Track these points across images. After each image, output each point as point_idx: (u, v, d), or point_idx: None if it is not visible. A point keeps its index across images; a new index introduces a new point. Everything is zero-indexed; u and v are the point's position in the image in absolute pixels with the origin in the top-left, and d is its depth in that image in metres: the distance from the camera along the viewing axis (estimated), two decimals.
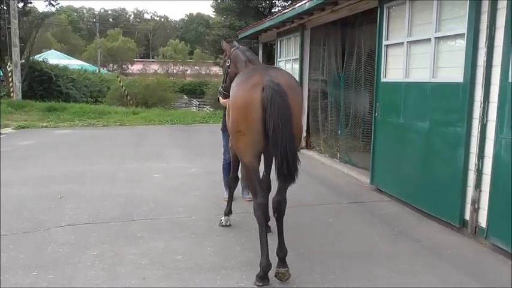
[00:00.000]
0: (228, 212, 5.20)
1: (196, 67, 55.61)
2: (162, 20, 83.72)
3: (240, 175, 5.21)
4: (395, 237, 4.89)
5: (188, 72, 57.30)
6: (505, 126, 4.22)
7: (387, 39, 6.37)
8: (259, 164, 3.88)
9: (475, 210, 4.68)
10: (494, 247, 4.41)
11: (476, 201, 4.67)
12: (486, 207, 4.52)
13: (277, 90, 3.44)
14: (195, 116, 17.46)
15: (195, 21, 69.17)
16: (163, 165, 8.55)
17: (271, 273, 3.75)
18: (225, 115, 5.91)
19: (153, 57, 67.19)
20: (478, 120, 4.63)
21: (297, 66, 10.15)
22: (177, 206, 5.93)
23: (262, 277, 3.74)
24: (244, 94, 3.61)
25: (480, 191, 4.64)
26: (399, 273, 3.98)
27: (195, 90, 37.07)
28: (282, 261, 3.76)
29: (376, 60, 6.62)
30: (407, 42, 5.83)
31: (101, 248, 4.52)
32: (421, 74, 5.57)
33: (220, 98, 5.61)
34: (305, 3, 7.84)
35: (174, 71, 57.51)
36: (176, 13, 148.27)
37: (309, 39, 9.80)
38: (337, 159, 8.70)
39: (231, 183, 5.24)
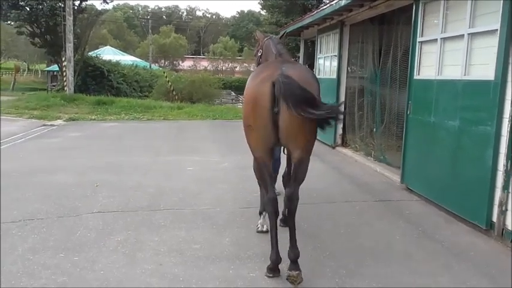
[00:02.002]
0: (262, 210, 4.91)
1: (245, 64, 56.07)
2: (214, 17, 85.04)
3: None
4: (418, 237, 4.79)
5: (237, 69, 57.96)
6: None
7: (421, 36, 6.21)
8: (271, 160, 3.86)
9: (502, 213, 4.51)
10: None
11: (503, 203, 4.49)
12: None
13: (287, 82, 3.34)
14: (237, 112, 17.65)
15: (246, 19, 69.73)
16: (197, 159, 8.75)
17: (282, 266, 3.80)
18: None
19: (203, 54, 68.40)
20: (508, 120, 4.44)
21: (335, 63, 10.05)
22: (204, 198, 6.07)
23: (273, 269, 3.80)
24: (253, 89, 3.59)
25: (508, 192, 4.45)
26: (414, 273, 3.90)
27: (242, 87, 37.39)
28: (294, 263, 3.66)
29: (409, 57, 6.47)
30: (441, 38, 5.66)
31: (125, 234, 4.73)
32: (453, 71, 5.40)
33: None
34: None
35: (224, 67, 58.38)
36: (228, 10, 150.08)
37: (348, 36, 9.68)
38: (372, 157, 8.56)
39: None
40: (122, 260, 4.09)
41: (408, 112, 6.43)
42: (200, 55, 68.18)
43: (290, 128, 3.49)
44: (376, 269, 3.98)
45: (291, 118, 3.39)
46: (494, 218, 4.62)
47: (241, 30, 68.80)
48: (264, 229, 4.80)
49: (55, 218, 5.19)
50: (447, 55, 5.61)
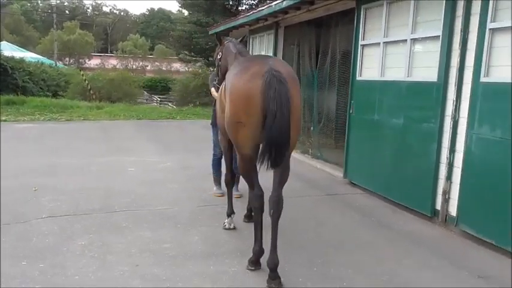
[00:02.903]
0: (230, 213, 4.94)
1: (156, 63, 54.75)
2: (122, 13, 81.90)
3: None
4: (373, 227, 5.15)
5: (148, 68, 56.37)
6: (476, 122, 4.56)
7: (363, 40, 6.65)
8: (256, 156, 3.75)
9: (446, 201, 5.02)
10: (463, 233, 4.76)
11: (447, 192, 5.01)
12: (456, 198, 4.85)
13: (277, 77, 3.38)
14: (161, 112, 17.33)
15: (157, 16, 68.09)
16: (136, 159, 8.51)
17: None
18: (215, 110, 5.96)
19: (111, 52, 65.61)
20: (450, 117, 4.96)
21: None
22: (157, 198, 5.96)
23: (255, 262, 3.89)
24: (245, 84, 3.52)
25: (451, 182, 4.97)
26: (381, 259, 4.22)
27: (156, 87, 36.48)
28: (274, 272, 3.59)
29: (352, 59, 6.89)
30: (384, 42, 6.13)
31: (87, 238, 4.52)
32: (396, 73, 5.87)
33: (212, 91, 5.63)
34: (282, 1, 8.02)
35: (134, 66, 56.46)
36: (136, 7, 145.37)
37: (283, 38, 10.00)
38: (309, 155, 8.95)
39: (228, 181, 4.99)
40: (93, 264, 3.93)
41: (351, 111, 6.85)
42: (108, 53, 65.29)
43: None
44: (347, 257, 4.24)
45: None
46: (438, 206, 5.13)
47: (152, 28, 67.03)
48: (231, 227, 4.89)
49: (1, 226, 4.79)
50: (389, 58, 6.08)
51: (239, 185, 6.24)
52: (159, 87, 35.58)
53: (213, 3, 22.09)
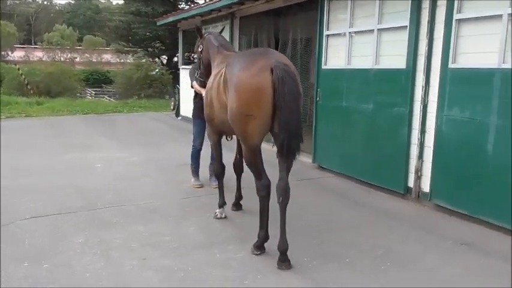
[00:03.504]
0: (222, 204, 5.04)
1: (86, 54, 52.46)
2: (46, 2, 77.30)
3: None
4: (353, 207, 5.49)
5: (78, 60, 53.90)
6: (446, 105, 5.00)
7: (328, 30, 6.95)
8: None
9: (418, 178, 5.46)
10: (436, 207, 5.22)
11: (419, 170, 5.45)
12: (429, 175, 5.30)
13: (287, 71, 3.55)
14: (106, 106, 16.86)
15: (83, 6, 65.03)
16: (99, 155, 8.33)
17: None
18: (197, 102, 5.99)
19: (36, 44, 61.93)
20: (419, 102, 5.38)
21: None
22: (137, 193, 5.93)
23: (259, 246, 4.05)
24: (253, 78, 3.62)
25: (422, 161, 5.42)
26: (370, 237, 4.52)
27: (87, 80, 34.77)
28: (284, 254, 3.78)
29: (317, 49, 7.17)
30: (350, 32, 6.45)
31: (82, 235, 4.45)
32: (363, 62, 6.22)
33: (194, 84, 5.65)
34: None
35: (62, 58, 53.73)
36: None
37: (238, 28, 10.11)
38: (271, 142, 9.15)
39: (219, 172, 5.05)
40: (98, 260, 3.90)
41: (317, 99, 7.15)
42: (32, 44, 61.53)
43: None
44: (339, 237, 4.51)
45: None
46: (411, 184, 5.57)
47: (79, 18, 64.03)
48: (223, 216, 5.01)
49: None
50: (356, 47, 6.41)
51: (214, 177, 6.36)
52: (90, 80, 33.96)
53: None
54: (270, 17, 9.23)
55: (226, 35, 10.36)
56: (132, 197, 5.74)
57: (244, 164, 4.22)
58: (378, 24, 5.92)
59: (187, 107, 13.80)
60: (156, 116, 15.36)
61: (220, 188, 5.08)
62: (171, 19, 12.40)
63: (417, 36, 5.36)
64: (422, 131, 5.37)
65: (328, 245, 4.31)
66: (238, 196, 5.25)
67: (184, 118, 14.03)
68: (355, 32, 6.40)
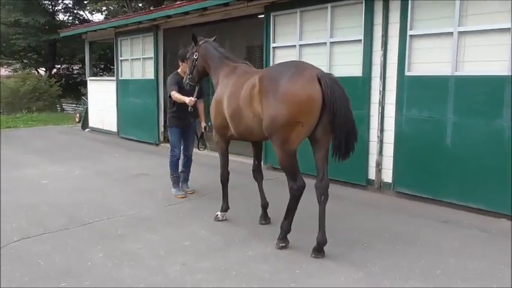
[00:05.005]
0: (226, 208, 5.22)
1: None
2: None
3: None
4: (329, 201, 6.06)
5: None
6: (405, 107, 5.91)
7: (274, 42, 7.53)
8: None
9: (379, 171, 6.31)
10: (399, 194, 6.10)
11: (380, 164, 6.29)
12: (390, 167, 6.16)
13: (333, 79, 3.97)
14: (26, 120, 15.65)
15: None
16: (36, 172, 7.80)
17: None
18: (173, 112, 6.06)
19: None
20: (377, 104, 6.23)
21: (151, 65, 10.41)
22: (112, 205, 5.82)
23: (283, 238, 4.39)
24: (306, 88, 3.87)
25: (382, 156, 6.27)
26: (352, 225, 5.04)
27: None
28: (321, 246, 4.18)
29: (264, 60, 7.71)
30: (300, 45, 7.11)
31: (97, 249, 4.35)
32: None
33: (173, 93, 5.74)
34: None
35: None
36: None
37: (162, 40, 10.23)
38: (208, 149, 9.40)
39: (225, 179, 5.21)
40: (139, 271, 3.88)
41: None
42: None
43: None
44: (331, 225, 4.66)
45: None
46: (372, 176, 6.39)
47: None
48: (224, 218, 5.22)
49: None
50: (306, 58, 7.01)
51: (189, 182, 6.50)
52: None
53: (30, 3, 20.22)
54: (202, 29, 9.45)
55: (148, 47, 10.41)
56: (112, 209, 5.62)
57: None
58: (331, 37, 6.67)
59: (96, 119, 13.29)
60: (62, 129, 14.46)
61: (225, 194, 5.25)
62: (80, 30, 11.85)
63: (371, 48, 6.21)
64: (382, 130, 6.23)
65: (329, 235, 4.77)
66: (264, 204, 5.18)
67: (94, 130, 13.47)
68: (305, 45, 7.06)
